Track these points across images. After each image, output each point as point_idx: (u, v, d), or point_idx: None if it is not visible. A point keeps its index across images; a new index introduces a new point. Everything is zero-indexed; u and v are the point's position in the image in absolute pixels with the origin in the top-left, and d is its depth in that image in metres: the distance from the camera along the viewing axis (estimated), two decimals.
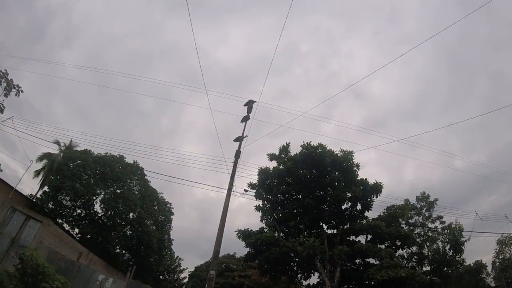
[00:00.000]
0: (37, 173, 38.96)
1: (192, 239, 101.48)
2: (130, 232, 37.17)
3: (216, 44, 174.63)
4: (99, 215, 35.78)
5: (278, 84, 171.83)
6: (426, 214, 33.31)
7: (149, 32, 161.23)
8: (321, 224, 25.47)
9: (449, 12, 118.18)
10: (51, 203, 32.99)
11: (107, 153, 37.44)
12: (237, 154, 19.07)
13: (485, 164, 73.55)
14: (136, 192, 37.42)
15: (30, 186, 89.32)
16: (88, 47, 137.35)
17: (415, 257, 31.49)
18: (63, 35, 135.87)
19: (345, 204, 25.47)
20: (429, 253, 31.23)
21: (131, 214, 36.29)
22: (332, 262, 22.96)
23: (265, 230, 25.21)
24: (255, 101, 19.78)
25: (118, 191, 35.59)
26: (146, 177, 39.37)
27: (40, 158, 38.32)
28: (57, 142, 38.74)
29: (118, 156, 37.61)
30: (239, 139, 19.25)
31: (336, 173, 23.98)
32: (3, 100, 29.84)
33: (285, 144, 25.63)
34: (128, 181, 37.19)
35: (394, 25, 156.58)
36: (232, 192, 18.04)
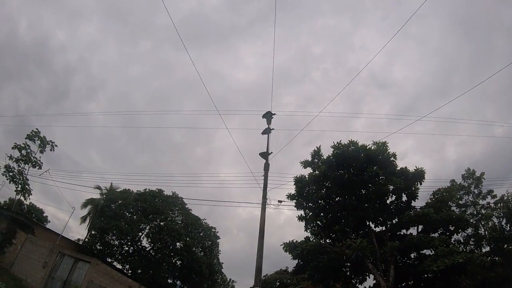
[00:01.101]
0: (83, 218, 40.65)
1: (244, 260, 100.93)
2: (180, 262, 37.47)
3: (231, 67, 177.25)
4: (147, 249, 36.34)
5: (300, 92, 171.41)
6: (476, 192, 31.14)
7: (166, 70, 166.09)
8: (368, 223, 24.36)
9: None
10: (99, 244, 33.96)
11: (146, 189, 38.30)
12: (266, 166, 19.13)
13: None
14: (179, 222, 37.85)
15: (80, 232, 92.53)
16: (112, 94, 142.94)
17: (472, 239, 29.54)
18: (87, 87, 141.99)
19: (389, 198, 24.27)
20: (486, 232, 29.29)
21: (178, 244, 36.62)
22: (385, 260, 22.05)
23: (311, 239, 24.58)
24: (274, 113, 19.72)
25: (162, 223, 36.07)
26: (187, 206, 39.90)
27: (85, 204, 40.23)
28: (98, 187, 40.68)
29: (157, 191, 38.40)
30: (265, 153, 19.25)
31: (374, 167, 22.97)
32: (40, 157, 31.64)
33: (316, 148, 24.90)
34: (170, 212, 37.71)
35: (399, 4, 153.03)
36: (266, 206, 17.98)
